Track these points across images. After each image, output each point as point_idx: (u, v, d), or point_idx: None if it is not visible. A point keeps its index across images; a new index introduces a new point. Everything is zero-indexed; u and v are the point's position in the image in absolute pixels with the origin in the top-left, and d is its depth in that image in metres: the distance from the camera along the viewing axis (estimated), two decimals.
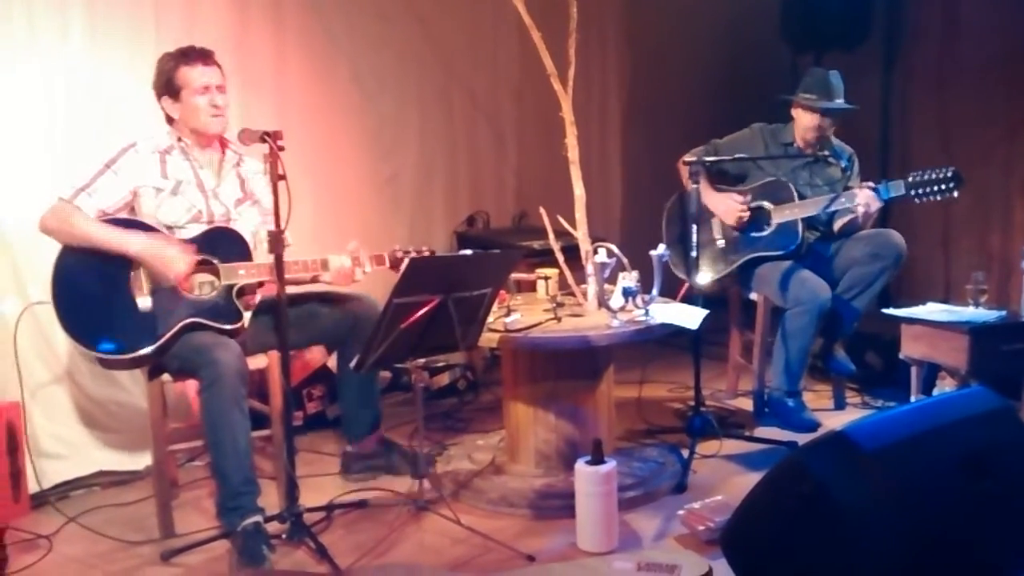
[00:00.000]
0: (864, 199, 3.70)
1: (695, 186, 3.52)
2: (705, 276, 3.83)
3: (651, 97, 5.85)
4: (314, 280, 3.21)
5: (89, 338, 2.91)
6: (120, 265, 2.96)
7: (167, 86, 3.10)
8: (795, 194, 3.90)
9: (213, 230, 3.08)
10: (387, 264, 3.21)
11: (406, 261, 2.77)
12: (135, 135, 3.14)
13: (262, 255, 3.10)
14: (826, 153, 3.96)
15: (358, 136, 4.63)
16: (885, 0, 5.24)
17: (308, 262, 3.12)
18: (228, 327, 3.02)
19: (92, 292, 2.93)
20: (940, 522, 2.06)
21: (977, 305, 3.65)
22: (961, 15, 4.93)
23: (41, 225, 2.99)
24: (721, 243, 4.04)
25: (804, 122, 3.96)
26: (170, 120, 3.15)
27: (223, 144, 3.23)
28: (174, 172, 3.11)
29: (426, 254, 3.24)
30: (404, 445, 3.61)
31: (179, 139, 3.14)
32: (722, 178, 4.05)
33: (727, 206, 3.99)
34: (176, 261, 2.95)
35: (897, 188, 3.70)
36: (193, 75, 3.07)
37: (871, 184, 3.75)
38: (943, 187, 3.63)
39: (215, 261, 3.03)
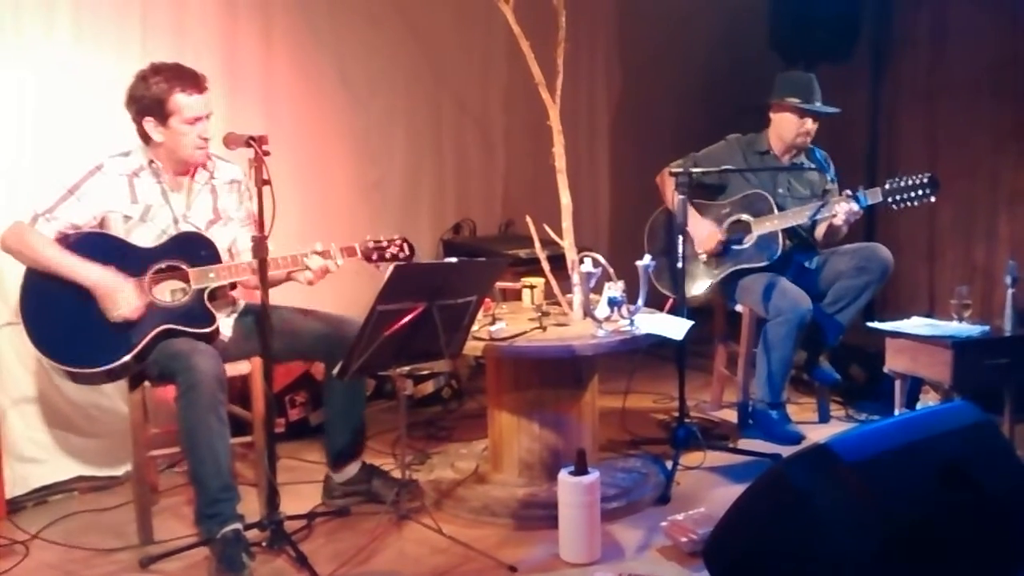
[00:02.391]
0: (844, 212, 3.71)
1: (682, 197, 3.51)
2: (688, 290, 3.83)
3: (640, 107, 5.86)
4: (288, 278, 3.12)
5: (62, 354, 2.86)
6: None
7: (155, 108, 2.96)
8: (774, 206, 3.90)
9: (181, 235, 3.02)
10: (358, 255, 3.15)
11: (391, 268, 2.74)
12: (103, 153, 3.03)
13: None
14: (803, 160, 3.99)
15: (345, 141, 4.61)
16: (874, 11, 5.26)
17: (279, 260, 3.02)
18: (202, 331, 2.97)
19: (62, 306, 2.88)
20: (921, 535, 2.06)
21: (961, 319, 3.66)
22: (949, 27, 4.95)
23: (2, 244, 2.94)
24: (703, 257, 4.04)
25: (789, 126, 3.96)
26: (145, 138, 3.03)
27: (195, 166, 3.13)
28: (143, 196, 3.02)
29: (398, 243, 3.19)
30: (385, 467, 3.51)
31: (151, 161, 3.04)
32: (701, 191, 4.03)
33: (707, 233, 3.99)
34: (124, 304, 2.88)
35: (874, 196, 3.71)
36: (188, 103, 2.95)
37: (849, 192, 3.76)
38: (920, 193, 3.65)
39: (184, 266, 2.99)
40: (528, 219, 3.53)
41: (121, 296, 2.89)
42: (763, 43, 5.33)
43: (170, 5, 3.79)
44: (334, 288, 3.34)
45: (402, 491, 3.10)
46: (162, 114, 2.96)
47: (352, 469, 3.33)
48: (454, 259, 3.54)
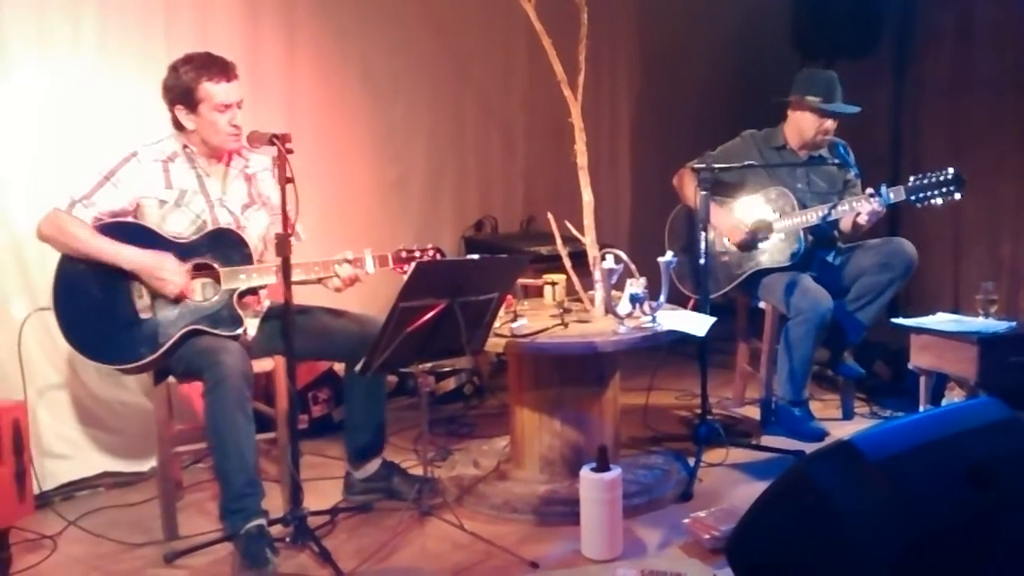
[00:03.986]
0: (867, 212, 3.68)
1: (704, 193, 3.50)
2: (711, 288, 3.81)
3: (661, 104, 5.85)
4: (318, 281, 3.14)
5: (90, 347, 2.90)
6: (120, 272, 2.93)
7: (185, 96, 3.01)
8: (795, 203, 3.87)
9: (214, 232, 3.05)
10: (390, 264, 3.17)
11: (412, 265, 2.75)
12: (136, 142, 3.08)
13: (273, 257, 3.08)
14: (822, 154, 3.96)
15: (368, 139, 4.63)
16: (896, 7, 5.22)
17: (310, 265, 3.06)
18: (228, 334, 2.98)
19: (93, 299, 2.91)
20: (946, 533, 2.04)
21: (987, 315, 3.63)
22: (974, 23, 4.90)
23: (38, 232, 2.97)
24: (725, 257, 4.02)
25: (808, 125, 3.92)
26: (178, 126, 3.08)
27: (230, 153, 3.17)
28: (178, 181, 3.06)
29: (431, 252, 3.19)
30: (406, 465, 3.51)
31: (184, 146, 3.09)
32: (719, 188, 3.99)
33: (731, 224, 3.96)
34: (171, 277, 2.91)
35: (897, 194, 3.67)
36: (216, 91, 2.99)
37: (871, 190, 3.72)
38: (944, 190, 3.60)
39: (216, 265, 3.01)
40: (550, 216, 3.53)
41: (167, 271, 2.91)
42: (784, 39, 5.30)
43: (194, 4, 3.82)
44: (358, 285, 3.34)
45: (423, 488, 3.11)
46: (191, 102, 3.01)
47: (373, 466, 3.34)
48: (476, 256, 3.54)
